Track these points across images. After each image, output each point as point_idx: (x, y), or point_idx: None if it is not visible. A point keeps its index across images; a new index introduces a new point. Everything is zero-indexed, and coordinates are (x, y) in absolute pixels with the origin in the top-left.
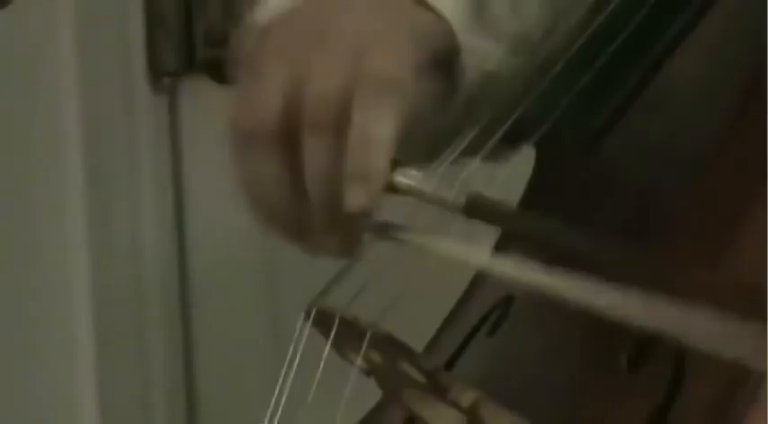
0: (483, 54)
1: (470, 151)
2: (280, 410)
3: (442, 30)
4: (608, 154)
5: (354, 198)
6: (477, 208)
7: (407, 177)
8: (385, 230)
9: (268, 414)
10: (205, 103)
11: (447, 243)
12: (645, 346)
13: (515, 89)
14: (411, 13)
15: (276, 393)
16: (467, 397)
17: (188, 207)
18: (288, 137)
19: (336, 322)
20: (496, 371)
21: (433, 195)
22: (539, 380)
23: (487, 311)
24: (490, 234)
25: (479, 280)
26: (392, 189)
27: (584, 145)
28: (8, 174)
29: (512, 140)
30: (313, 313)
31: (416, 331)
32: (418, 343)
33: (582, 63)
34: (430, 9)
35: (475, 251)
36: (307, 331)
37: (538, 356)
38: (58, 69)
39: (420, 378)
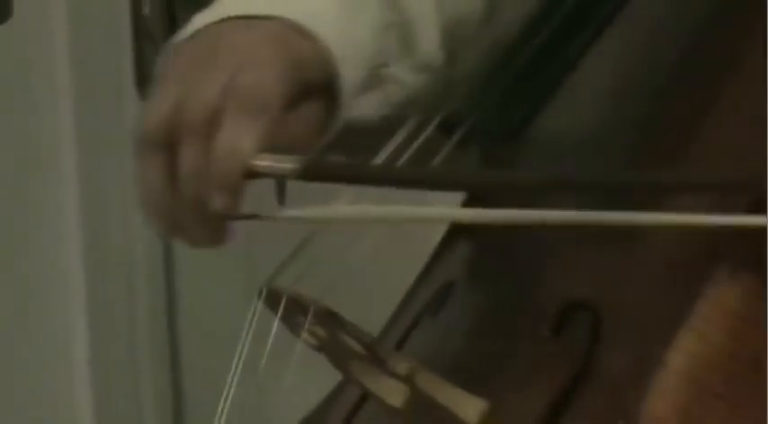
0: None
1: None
2: (234, 383)
3: (319, 57)
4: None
5: (217, 201)
6: (313, 171)
7: (269, 161)
8: (250, 217)
9: (226, 387)
10: None
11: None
12: (565, 314)
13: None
14: (292, 43)
15: (233, 368)
16: (402, 366)
17: None
18: (169, 144)
19: (284, 300)
20: (439, 346)
21: (277, 168)
22: (475, 351)
23: (433, 295)
24: None
25: (429, 268)
26: (253, 175)
27: (509, 133)
28: (4, 180)
29: (448, 131)
30: (264, 292)
31: (378, 315)
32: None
33: (506, 63)
34: (310, 39)
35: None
36: (259, 309)
37: (474, 330)
38: (53, 79)
39: (360, 350)
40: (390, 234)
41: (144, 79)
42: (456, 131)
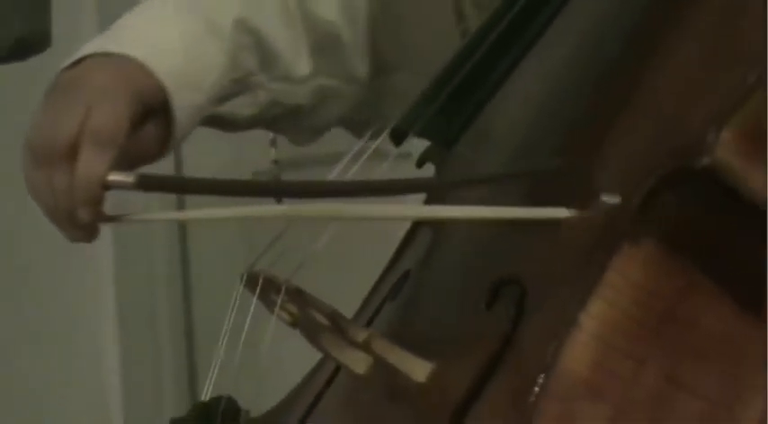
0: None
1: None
2: (222, 351)
3: (156, 88)
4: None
5: (82, 212)
6: (147, 183)
7: (116, 176)
8: (113, 219)
9: (215, 356)
10: None
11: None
12: (496, 290)
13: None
14: (134, 78)
15: (220, 339)
16: (360, 335)
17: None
18: (45, 164)
19: (260, 281)
20: (397, 324)
21: (122, 182)
22: (425, 326)
23: (394, 283)
24: None
25: (393, 261)
26: (108, 187)
27: (449, 138)
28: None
29: (397, 141)
30: (244, 276)
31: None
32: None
33: (446, 76)
34: (149, 74)
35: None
36: (240, 291)
37: (424, 309)
38: None
39: (324, 321)
40: (346, 228)
41: None
42: (404, 141)
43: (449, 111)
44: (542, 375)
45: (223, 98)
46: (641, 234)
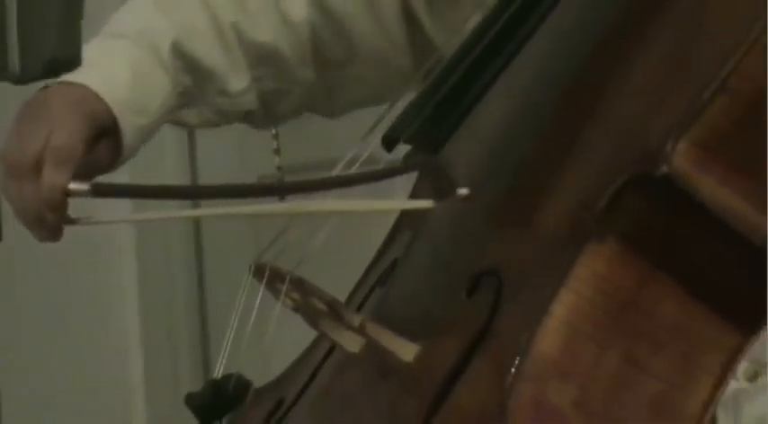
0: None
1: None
2: (232, 332)
3: (107, 112)
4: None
5: (48, 216)
6: (101, 190)
7: (75, 185)
8: (75, 222)
9: (225, 342)
10: None
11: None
12: (476, 280)
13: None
14: (89, 103)
15: (229, 332)
16: (355, 319)
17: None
18: (15, 176)
19: (267, 272)
20: (385, 308)
21: (79, 190)
22: (413, 312)
23: (383, 271)
24: None
25: (381, 252)
26: (69, 194)
27: (436, 144)
28: None
29: (389, 148)
30: (252, 267)
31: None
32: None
33: (432, 90)
34: (101, 100)
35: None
36: (249, 281)
37: (411, 296)
38: None
39: (324, 308)
40: (342, 226)
41: None
42: (395, 147)
43: (435, 120)
44: (518, 358)
45: (173, 111)
46: (606, 232)
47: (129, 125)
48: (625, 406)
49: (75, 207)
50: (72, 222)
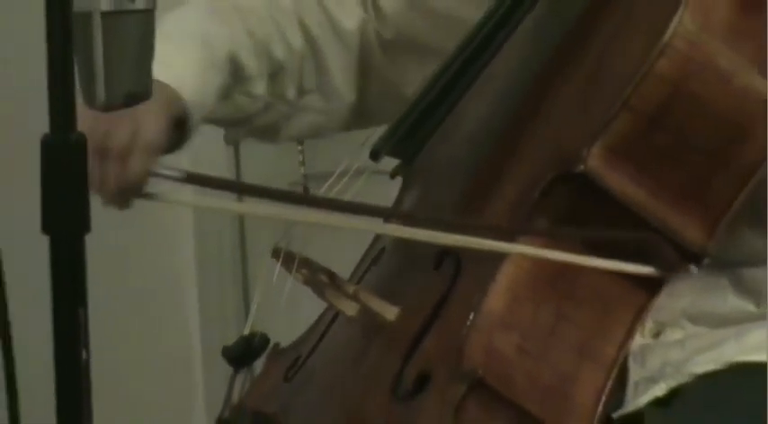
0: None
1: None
2: (254, 310)
3: (179, 102)
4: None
5: (127, 192)
6: (193, 178)
7: (164, 170)
8: (147, 197)
9: (252, 308)
10: None
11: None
12: (440, 257)
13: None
14: (166, 94)
15: (254, 300)
16: (350, 288)
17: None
18: (102, 159)
19: (282, 253)
20: (376, 281)
21: (168, 174)
22: (393, 283)
23: (374, 255)
24: None
25: (374, 242)
26: (155, 174)
27: (410, 157)
28: None
29: (374, 158)
30: (273, 250)
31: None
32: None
33: (411, 110)
34: (174, 92)
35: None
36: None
37: (394, 271)
38: None
39: (327, 279)
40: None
41: None
42: (380, 159)
43: (410, 137)
44: (471, 314)
45: (214, 105)
46: (539, 217)
47: (195, 119)
48: (557, 350)
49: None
50: (144, 196)
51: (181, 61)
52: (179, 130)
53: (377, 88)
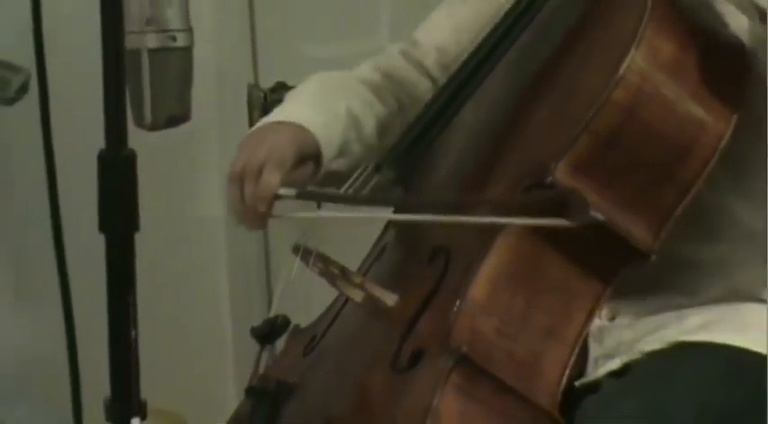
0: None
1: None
2: (278, 296)
3: (312, 142)
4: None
5: (259, 208)
6: (301, 194)
7: (283, 190)
8: (276, 217)
9: (276, 294)
10: None
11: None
12: (433, 253)
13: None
14: (298, 135)
15: (279, 287)
16: (357, 279)
17: None
18: (240, 182)
19: (301, 249)
20: (379, 273)
21: (286, 193)
22: (393, 275)
23: (378, 252)
24: None
25: (379, 239)
26: (278, 197)
27: (407, 169)
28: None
29: (378, 169)
30: (293, 247)
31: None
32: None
33: (410, 129)
34: (307, 133)
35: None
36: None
37: (393, 266)
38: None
39: (338, 271)
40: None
41: None
42: (383, 170)
43: (410, 153)
44: (458, 301)
45: (336, 156)
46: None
47: (326, 154)
48: (528, 332)
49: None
50: (274, 216)
51: (309, 110)
52: (310, 166)
53: None
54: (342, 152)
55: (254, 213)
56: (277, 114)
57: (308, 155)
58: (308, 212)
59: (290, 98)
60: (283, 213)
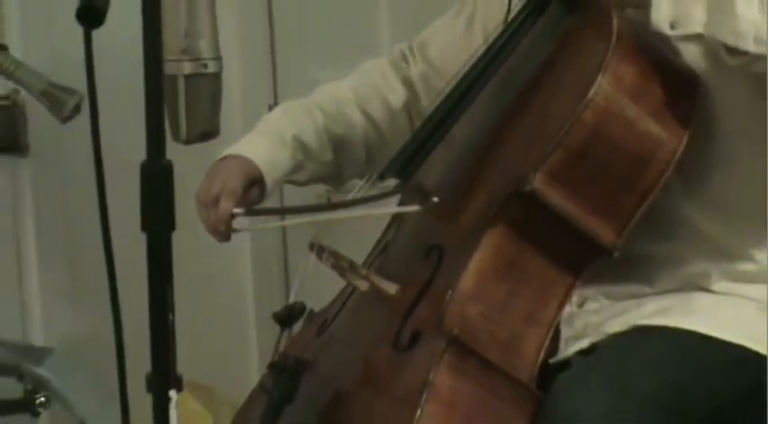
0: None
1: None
2: (296, 286)
3: (257, 171)
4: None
5: (221, 228)
6: (252, 211)
7: (236, 210)
8: (237, 231)
9: (294, 286)
10: None
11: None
12: (428, 250)
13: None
14: (246, 166)
15: (298, 278)
16: (363, 271)
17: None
18: (205, 207)
19: (316, 246)
20: (382, 267)
21: (238, 213)
22: (395, 268)
23: (381, 248)
24: None
25: (381, 237)
26: (234, 216)
27: (408, 177)
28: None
29: (381, 178)
30: (308, 243)
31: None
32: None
33: (410, 141)
34: (253, 164)
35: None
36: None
37: (394, 261)
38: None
39: (347, 265)
40: (357, 226)
41: None
42: (386, 179)
43: (409, 163)
44: (450, 291)
45: (290, 173)
46: (498, 223)
47: (270, 178)
48: (510, 317)
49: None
50: (236, 231)
51: (258, 143)
52: (259, 188)
53: None
54: (296, 168)
55: (216, 231)
56: (234, 148)
57: (256, 180)
58: (262, 224)
59: (256, 128)
60: (242, 227)
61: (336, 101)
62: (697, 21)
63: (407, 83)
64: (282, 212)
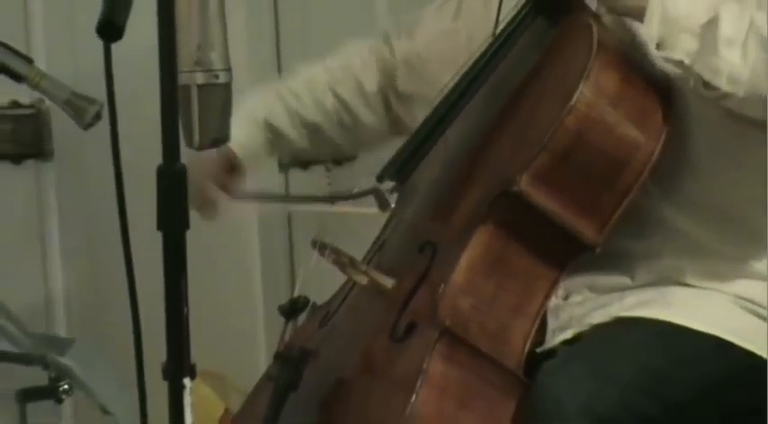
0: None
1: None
2: (300, 281)
3: (233, 154)
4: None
5: (207, 206)
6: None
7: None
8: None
9: (298, 282)
10: None
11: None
12: (423, 246)
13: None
14: (225, 150)
15: (302, 273)
16: (362, 267)
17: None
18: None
19: (318, 243)
20: (379, 263)
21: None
22: (391, 265)
23: (379, 245)
24: None
25: (379, 235)
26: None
27: (405, 179)
28: None
29: (380, 179)
30: (311, 241)
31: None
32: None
33: (407, 144)
34: (231, 149)
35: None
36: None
37: (389, 258)
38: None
39: (347, 261)
40: (359, 226)
41: None
42: (384, 181)
43: (406, 166)
44: (442, 284)
45: (266, 152)
46: (488, 222)
47: (244, 159)
48: (498, 309)
49: None
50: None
51: (234, 127)
52: (239, 170)
53: (398, 118)
54: (272, 148)
55: (202, 209)
56: None
57: (231, 162)
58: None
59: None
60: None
61: (309, 83)
62: (683, 49)
63: (386, 67)
64: (273, 199)
